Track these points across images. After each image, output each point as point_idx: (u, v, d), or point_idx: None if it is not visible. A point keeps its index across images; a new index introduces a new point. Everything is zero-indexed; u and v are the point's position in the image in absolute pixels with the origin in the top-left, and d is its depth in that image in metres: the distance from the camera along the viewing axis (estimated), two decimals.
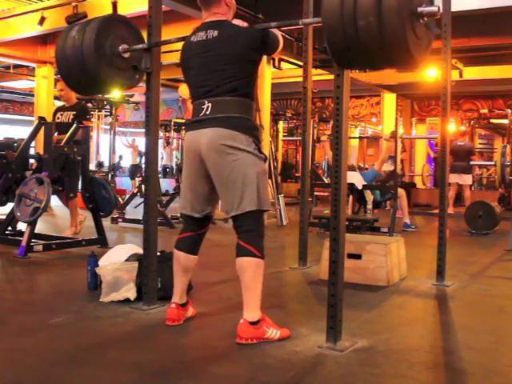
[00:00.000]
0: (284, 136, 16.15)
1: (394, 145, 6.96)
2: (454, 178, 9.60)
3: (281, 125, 15.01)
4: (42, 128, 5.20)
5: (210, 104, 2.65)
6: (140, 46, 3.14)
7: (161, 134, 13.49)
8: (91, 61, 2.96)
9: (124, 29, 3.18)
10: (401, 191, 7.14)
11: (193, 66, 2.75)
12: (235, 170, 2.60)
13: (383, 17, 2.09)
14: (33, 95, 11.39)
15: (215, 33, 2.67)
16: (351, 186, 6.68)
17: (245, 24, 2.72)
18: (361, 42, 2.17)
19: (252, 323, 2.55)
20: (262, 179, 2.66)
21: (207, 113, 2.66)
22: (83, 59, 2.97)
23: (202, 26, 2.75)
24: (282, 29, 7.95)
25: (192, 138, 2.72)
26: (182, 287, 2.87)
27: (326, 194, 11.03)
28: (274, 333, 2.60)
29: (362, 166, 10.60)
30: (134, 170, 14.06)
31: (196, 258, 2.88)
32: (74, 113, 5.71)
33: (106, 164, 14.08)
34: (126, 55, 3.14)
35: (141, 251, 3.39)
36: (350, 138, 10.92)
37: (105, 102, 14.40)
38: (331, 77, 2.70)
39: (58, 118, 5.79)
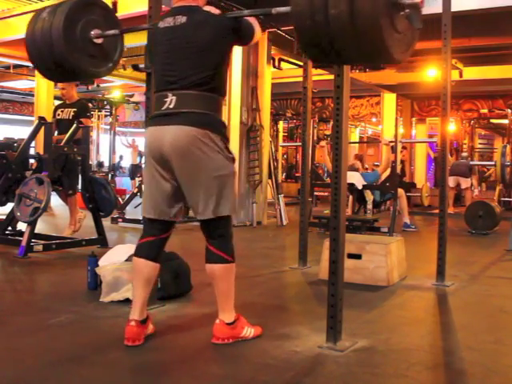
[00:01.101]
0: (284, 136, 16.16)
1: (394, 152, 6.98)
2: (452, 181, 9.70)
3: (281, 125, 15.02)
4: (42, 128, 5.20)
5: (174, 97, 2.44)
6: (112, 31, 2.94)
7: None
8: (59, 44, 2.77)
9: (99, 14, 2.92)
10: (400, 191, 7.15)
11: (157, 54, 2.56)
12: (202, 172, 2.42)
13: (356, 5, 1.91)
14: (33, 95, 11.40)
15: (183, 19, 2.47)
16: (351, 186, 6.68)
17: (217, 11, 2.51)
18: (331, 33, 1.99)
19: (228, 324, 2.54)
20: (230, 182, 2.51)
21: (170, 107, 2.44)
22: (51, 43, 2.78)
23: (171, 11, 2.56)
24: (282, 28, 7.99)
25: (154, 136, 2.50)
26: (143, 301, 2.56)
27: (325, 194, 11.06)
28: (248, 331, 2.60)
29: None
30: (134, 170, 14.07)
31: (158, 267, 2.60)
32: (75, 109, 5.72)
33: (106, 164, 14.10)
34: (99, 41, 2.92)
35: None
36: (350, 142, 10.94)
37: (105, 102, 14.42)
38: (331, 77, 2.70)
39: (59, 115, 5.79)
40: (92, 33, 2.90)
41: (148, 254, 2.56)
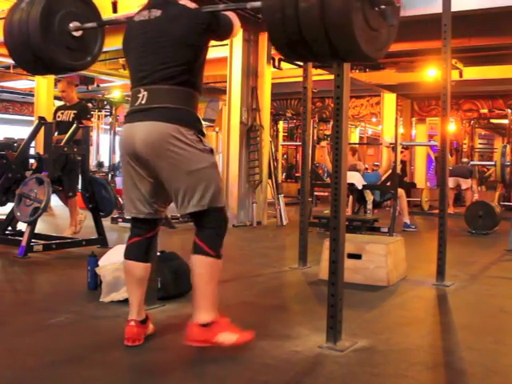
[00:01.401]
0: (284, 136, 16.16)
1: (394, 151, 6.98)
2: (452, 182, 9.73)
3: (281, 125, 15.01)
4: (42, 128, 5.20)
5: (145, 93, 2.39)
6: (90, 24, 2.87)
7: None
8: (36, 36, 2.69)
9: (79, 6, 2.89)
10: (400, 191, 7.14)
11: (132, 49, 2.50)
12: (177, 168, 2.35)
13: None
14: (33, 95, 11.39)
15: (158, 12, 2.43)
16: (351, 186, 6.68)
17: (193, 5, 2.47)
18: (302, 28, 1.92)
19: (202, 325, 2.36)
20: (210, 174, 2.42)
21: (142, 102, 2.39)
22: (28, 33, 2.70)
23: (147, 4, 2.54)
24: None
25: (127, 133, 2.45)
26: (139, 301, 2.54)
27: (326, 194, 11.06)
28: (228, 337, 2.37)
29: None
30: None
31: (149, 266, 2.57)
32: (75, 112, 5.75)
33: (106, 164, 14.09)
34: (78, 34, 2.85)
35: None
36: (350, 144, 10.94)
37: (105, 102, 14.42)
38: (331, 77, 2.70)
39: (59, 117, 5.82)
40: (71, 25, 2.83)
41: (137, 255, 2.53)
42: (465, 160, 11.90)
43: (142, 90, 2.40)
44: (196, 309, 2.39)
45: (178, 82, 2.38)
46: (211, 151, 2.44)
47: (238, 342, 2.39)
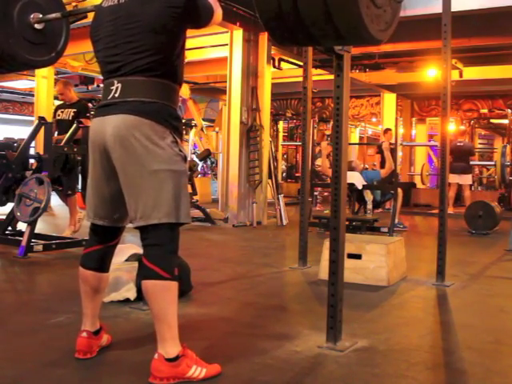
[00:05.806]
0: (284, 136, 16.17)
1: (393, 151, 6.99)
2: (453, 179, 9.65)
3: (281, 125, 15.02)
4: (42, 128, 5.21)
5: (119, 85, 2.16)
6: (53, 15, 2.66)
7: None
8: None
9: None
10: (399, 191, 7.15)
11: (101, 37, 2.24)
12: (144, 168, 2.09)
13: None
14: (33, 95, 11.39)
15: None
16: (351, 185, 6.68)
17: None
18: (298, 7, 1.70)
19: (169, 360, 2.07)
20: (178, 182, 2.14)
21: (116, 95, 2.16)
22: None
23: None
24: None
25: (96, 127, 2.21)
26: (94, 312, 2.38)
27: (325, 193, 11.07)
28: (198, 371, 2.13)
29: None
30: None
31: (108, 276, 2.42)
32: (75, 110, 5.78)
33: None
34: (40, 26, 2.66)
35: (141, 251, 3.38)
36: (350, 144, 10.93)
37: None
38: (331, 77, 2.70)
39: (59, 115, 5.88)
40: (32, 16, 2.64)
41: (94, 265, 2.35)
42: (462, 128, 11.53)
43: (115, 82, 2.17)
44: (160, 341, 2.10)
45: (156, 73, 2.15)
46: (184, 159, 2.19)
47: (207, 376, 2.16)
